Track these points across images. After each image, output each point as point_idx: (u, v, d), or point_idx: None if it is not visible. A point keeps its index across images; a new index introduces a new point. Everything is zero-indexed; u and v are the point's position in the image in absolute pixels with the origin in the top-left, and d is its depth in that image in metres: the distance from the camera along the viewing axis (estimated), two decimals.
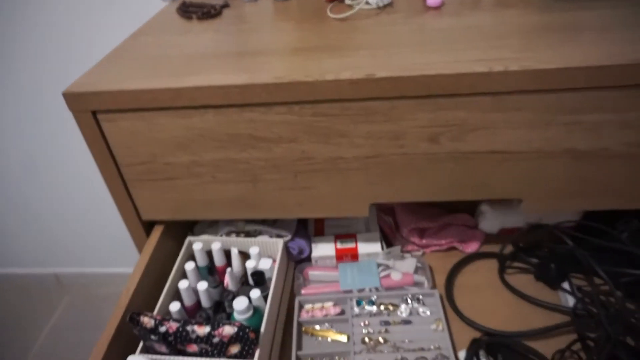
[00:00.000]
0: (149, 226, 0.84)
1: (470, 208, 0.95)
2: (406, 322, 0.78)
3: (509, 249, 0.88)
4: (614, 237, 0.78)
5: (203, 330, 0.65)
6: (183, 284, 0.76)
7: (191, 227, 0.96)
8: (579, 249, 0.77)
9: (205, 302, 0.77)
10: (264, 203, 0.75)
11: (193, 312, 0.78)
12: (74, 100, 0.64)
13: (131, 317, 0.66)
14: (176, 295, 0.78)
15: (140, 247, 0.84)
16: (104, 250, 1.61)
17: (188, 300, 0.77)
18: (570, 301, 0.77)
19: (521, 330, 0.74)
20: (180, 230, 0.92)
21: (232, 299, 0.76)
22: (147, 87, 0.62)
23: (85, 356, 1.49)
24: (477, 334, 0.75)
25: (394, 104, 0.62)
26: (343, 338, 0.78)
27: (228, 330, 0.64)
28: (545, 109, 0.62)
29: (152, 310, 0.73)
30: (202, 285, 0.75)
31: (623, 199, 0.70)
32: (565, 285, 0.79)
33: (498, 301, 0.81)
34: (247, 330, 0.64)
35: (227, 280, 0.80)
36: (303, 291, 0.85)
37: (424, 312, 0.79)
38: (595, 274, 0.72)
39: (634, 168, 0.66)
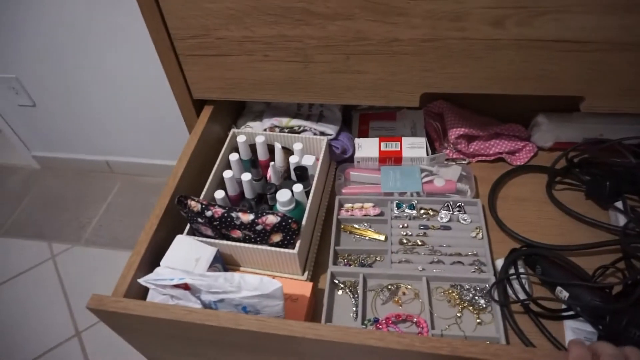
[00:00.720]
0: (199, 105, 0.85)
1: (524, 119, 0.90)
2: (445, 227, 0.78)
3: (561, 164, 0.84)
4: None
5: (247, 217, 0.67)
6: (228, 174, 0.77)
7: (239, 115, 0.96)
8: None
9: (248, 194, 0.79)
10: (314, 86, 0.74)
11: (236, 202, 0.80)
12: None
13: (179, 200, 0.69)
14: (220, 184, 0.80)
15: (190, 128, 0.85)
16: (150, 142, 1.66)
17: (232, 190, 0.79)
18: (622, 222, 0.74)
19: (564, 244, 0.72)
20: (227, 118, 0.93)
21: (275, 192, 0.77)
22: None
23: (135, 235, 1.61)
24: (517, 245, 0.74)
25: None
26: (381, 237, 0.79)
27: (271, 219, 0.66)
28: None
29: (198, 195, 0.75)
30: (246, 177, 0.76)
31: None
32: (619, 204, 0.76)
33: (543, 216, 0.80)
34: (289, 220, 0.66)
35: (270, 174, 0.81)
36: (344, 190, 0.85)
37: (464, 219, 0.79)
38: None
39: None
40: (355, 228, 0.81)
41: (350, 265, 0.76)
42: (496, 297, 0.67)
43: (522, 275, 0.68)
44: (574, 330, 0.65)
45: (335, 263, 0.76)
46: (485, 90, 0.70)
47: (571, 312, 0.65)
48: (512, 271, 0.69)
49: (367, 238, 0.80)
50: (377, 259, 0.77)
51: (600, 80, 0.66)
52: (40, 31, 1.35)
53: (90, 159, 1.80)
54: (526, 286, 0.68)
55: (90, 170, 1.85)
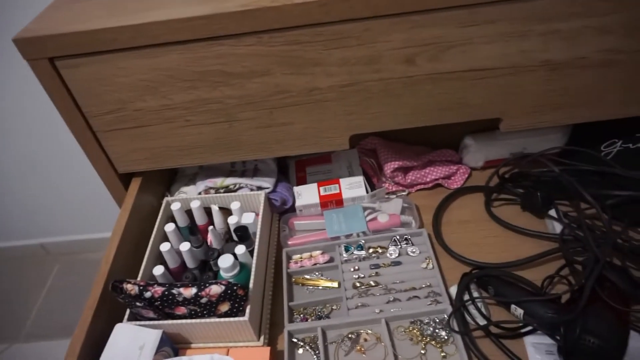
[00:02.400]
0: (127, 179, 0.81)
1: (453, 143, 0.93)
2: (396, 263, 0.78)
3: (494, 181, 0.87)
4: (599, 160, 0.77)
5: (189, 292, 0.63)
6: (165, 246, 0.73)
7: (171, 181, 0.93)
8: (564, 174, 0.76)
9: (190, 263, 0.75)
10: (242, 143, 0.74)
11: (179, 274, 0.76)
12: (27, 46, 0.60)
13: (114, 285, 0.64)
14: (160, 258, 0.75)
15: (119, 202, 0.81)
16: (86, 217, 1.57)
17: (172, 263, 0.75)
18: (558, 228, 0.77)
19: (510, 260, 0.73)
20: (159, 186, 0.89)
21: (217, 257, 0.74)
22: (105, 26, 0.58)
23: (79, 317, 1.49)
24: (467, 269, 0.75)
25: (367, 25, 0.60)
26: (334, 284, 0.77)
27: (215, 289, 0.63)
28: (520, 19, 0.60)
29: (135, 275, 0.70)
30: (185, 246, 0.73)
31: (602, 109, 0.71)
32: (552, 212, 0.78)
33: (486, 234, 0.81)
34: (235, 287, 0.63)
35: (211, 239, 0.78)
36: (290, 242, 0.83)
37: (413, 251, 0.79)
38: (582, 198, 0.72)
39: (613, 76, 0.66)
40: (307, 279, 0.79)
41: (307, 319, 0.73)
42: (455, 327, 0.66)
43: (476, 300, 0.68)
44: (534, 345, 0.65)
45: (291, 320, 0.73)
46: (409, 124, 0.71)
47: (529, 328, 0.66)
48: (466, 297, 0.69)
49: (320, 287, 0.78)
50: (334, 307, 0.74)
51: (513, 101, 0.69)
52: None
53: (22, 244, 1.68)
54: (483, 309, 0.68)
55: (23, 256, 1.72)
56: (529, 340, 0.66)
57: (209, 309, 0.64)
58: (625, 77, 0.65)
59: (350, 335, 0.70)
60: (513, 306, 0.65)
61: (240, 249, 0.71)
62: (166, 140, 0.72)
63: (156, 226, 0.78)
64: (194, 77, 0.64)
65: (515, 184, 0.85)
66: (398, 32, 0.60)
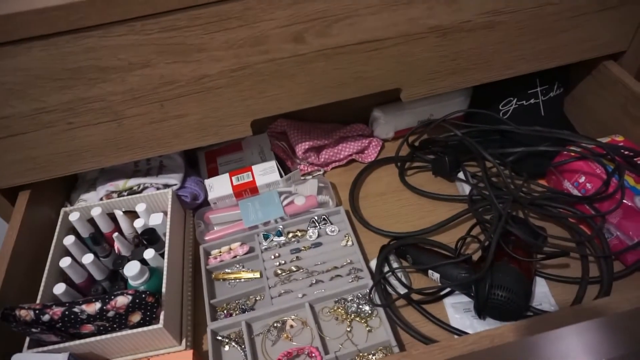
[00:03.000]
0: (12, 193, 0.73)
1: (363, 117, 0.93)
2: (316, 245, 0.77)
3: (405, 150, 0.88)
4: (497, 120, 0.80)
5: (93, 307, 0.58)
6: (65, 262, 0.67)
7: (71, 188, 0.85)
8: (466, 137, 0.78)
9: (97, 275, 0.70)
10: (137, 142, 0.68)
11: (87, 288, 0.70)
12: None
13: (4, 315, 0.57)
14: (62, 275, 0.69)
15: (7, 219, 0.73)
16: None
17: (77, 278, 0.69)
18: (467, 190, 0.79)
19: (425, 228, 0.75)
20: (55, 196, 0.82)
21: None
22: None
23: None
24: (386, 241, 0.75)
25: (247, 4, 0.56)
26: (256, 275, 0.75)
27: (122, 300, 0.58)
28: None
29: (34, 297, 0.64)
30: (88, 258, 0.67)
31: (492, 71, 0.73)
32: (461, 175, 0.81)
33: (402, 204, 0.82)
34: (143, 295, 0.59)
35: (118, 246, 0.72)
36: (207, 237, 0.80)
37: (332, 231, 0.78)
38: (484, 158, 0.74)
39: (496, 37, 0.68)
40: (227, 273, 0.76)
41: (231, 314, 0.71)
42: (377, 300, 0.66)
43: (395, 270, 0.69)
44: (453, 305, 0.67)
45: (214, 318, 0.70)
46: (308, 104, 0.70)
47: (447, 290, 0.67)
48: (386, 269, 0.70)
49: (242, 280, 0.75)
50: (257, 298, 0.72)
51: (408, 70, 0.69)
52: None
53: None
54: (403, 279, 0.69)
55: None
56: (448, 301, 0.67)
57: (118, 321, 0.60)
58: (508, 37, 0.68)
59: (275, 325, 0.68)
60: (430, 271, 0.67)
61: (149, 253, 0.67)
62: (50, 147, 0.66)
63: (54, 241, 0.71)
64: (66, 75, 0.57)
65: (425, 151, 0.87)
66: (281, 9, 0.58)
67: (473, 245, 0.74)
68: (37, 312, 0.58)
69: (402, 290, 0.68)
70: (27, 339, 0.61)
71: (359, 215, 0.80)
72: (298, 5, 0.57)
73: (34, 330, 0.58)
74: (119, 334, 0.60)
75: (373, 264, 0.72)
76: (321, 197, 0.82)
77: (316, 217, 0.80)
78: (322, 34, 0.62)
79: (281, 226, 0.79)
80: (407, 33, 0.64)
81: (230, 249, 0.78)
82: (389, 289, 0.69)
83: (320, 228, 0.79)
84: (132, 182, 0.79)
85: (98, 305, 0.58)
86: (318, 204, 0.82)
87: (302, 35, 0.61)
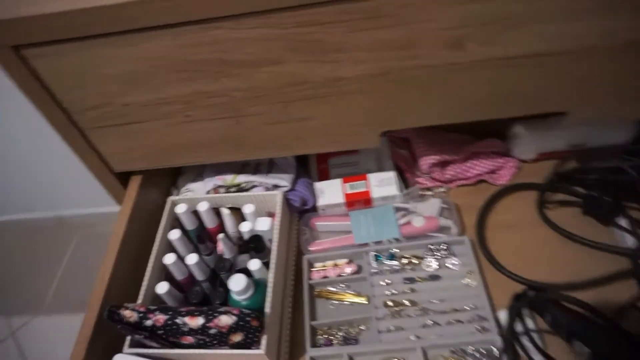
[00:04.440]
0: (125, 176, 0.71)
1: (500, 132, 0.80)
2: (434, 277, 0.68)
3: (549, 178, 0.74)
4: None
5: (196, 322, 0.54)
6: (169, 259, 0.64)
7: (177, 174, 0.83)
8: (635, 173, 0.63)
9: (199, 275, 0.66)
10: (253, 141, 0.62)
11: (188, 286, 0.67)
12: None
13: (110, 313, 0.55)
14: (164, 269, 0.66)
15: (119, 201, 0.72)
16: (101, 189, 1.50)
17: (179, 274, 0.66)
18: (628, 240, 0.65)
19: (571, 281, 0.62)
20: (164, 181, 0.80)
21: (229, 269, 0.65)
22: (73, 7, 0.45)
23: None
24: (517, 286, 0.64)
25: (406, 0, 0.46)
26: (362, 301, 0.67)
27: (225, 320, 0.54)
28: None
29: (136, 292, 0.62)
30: (192, 259, 0.64)
31: None
32: (621, 220, 0.66)
33: (539, 243, 0.70)
34: (248, 318, 0.54)
35: (221, 247, 0.68)
36: (311, 247, 0.74)
37: (453, 263, 0.68)
38: None
39: None
40: (331, 292, 0.69)
41: (331, 341, 0.64)
42: None
43: (532, 332, 0.58)
44: None
45: (314, 344, 0.64)
46: (453, 119, 0.59)
47: None
48: (520, 326, 0.59)
49: (346, 303, 0.68)
50: (362, 328, 0.65)
51: (586, 91, 0.56)
52: None
53: (39, 217, 1.63)
54: (538, 342, 0.58)
55: (40, 228, 1.67)
56: None
57: (219, 339, 0.55)
58: None
59: None
60: (578, 343, 0.55)
61: (255, 264, 0.62)
62: (164, 138, 0.62)
63: (160, 234, 0.68)
64: (190, 67, 0.52)
65: (574, 182, 0.73)
66: (447, 8, 0.47)
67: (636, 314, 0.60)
68: (140, 315, 0.55)
69: (537, 357, 0.57)
70: (128, 339, 0.58)
71: (487, 251, 0.69)
72: (467, 5, 0.46)
73: (139, 333, 0.55)
74: (218, 351, 0.56)
75: (502, 315, 0.61)
76: (443, 221, 0.72)
77: (435, 244, 0.70)
78: (488, 41, 0.51)
79: (395, 249, 0.70)
80: (594, 46, 0.51)
81: (336, 265, 0.71)
82: (519, 349, 0.58)
83: (439, 258, 0.69)
84: (241, 179, 0.74)
85: (201, 320, 0.54)
86: (439, 228, 0.72)
87: (462, 42, 0.51)
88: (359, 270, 0.70)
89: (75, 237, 1.64)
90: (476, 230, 0.72)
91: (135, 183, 0.71)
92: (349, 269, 0.70)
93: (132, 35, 0.48)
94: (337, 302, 0.69)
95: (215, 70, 0.52)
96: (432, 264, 0.68)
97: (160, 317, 0.55)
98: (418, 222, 0.72)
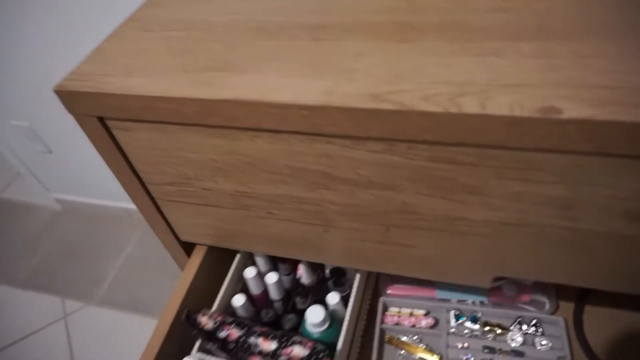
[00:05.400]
0: (189, 245, 0.67)
1: None
2: (517, 353, 0.62)
3: None
4: None
5: (269, 345, 0.53)
6: (250, 272, 0.63)
7: None
8: None
9: (274, 294, 0.65)
10: (338, 251, 0.55)
11: (262, 302, 0.66)
12: (70, 101, 0.44)
13: (187, 317, 0.55)
14: (241, 280, 0.66)
15: (182, 266, 0.69)
16: None
17: (255, 289, 0.65)
18: None
19: None
20: None
21: (306, 296, 0.64)
22: (166, 93, 0.40)
23: (153, 296, 1.49)
24: None
25: (580, 161, 0.37)
26: (434, 359, 0.63)
27: (298, 351, 0.52)
28: None
29: (212, 299, 0.62)
30: (272, 278, 0.63)
31: None
32: None
33: None
34: (321, 355, 0.51)
35: (301, 272, 0.67)
36: (389, 291, 0.71)
37: (542, 343, 0.62)
38: None
39: None
40: (402, 342, 0.66)
41: None
42: None
43: None
44: None
45: None
46: (589, 284, 0.49)
47: None
48: None
49: (416, 357, 0.64)
50: None
51: None
52: (46, 76, 1.28)
53: (111, 205, 1.72)
54: None
55: (110, 216, 1.76)
56: None
57: None
58: None
59: None
60: None
61: (333, 298, 0.60)
62: (240, 225, 0.57)
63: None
64: (285, 171, 0.46)
65: None
66: (630, 178, 0.37)
67: None
68: (216, 325, 0.55)
69: None
70: (198, 343, 0.58)
71: (583, 337, 0.63)
72: None
73: (209, 344, 0.55)
74: None
75: None
76: (537, 294, 0.67)
77: (524, 318, 0.64)
78: None
79: (479, 312, 0.66)
80: None
81: (412, 314, 0.68)
82: None
83: (526, 333, 0.63)
84: None
85: (274, 346, 0.53)
86: (530, 300, 0.66)
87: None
88: (435, 325, 0.66)
89: (137, 231, 1.70)
90: (574, 312, 0.65)
91: (199, 253, 0.66)
92: (425, 322, 0.66)
93: (227, 131, 0.43)
94: (406, 353, 0.65)
95: (315, 181, 0.46)
96: (517, 338, 0.63)
97: (235, 332, 0.54)
98: (509, 291, 0.67)
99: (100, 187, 1.65)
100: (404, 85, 0.36)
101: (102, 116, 0.46)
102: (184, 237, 0.62)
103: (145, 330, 1.35)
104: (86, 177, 1.63)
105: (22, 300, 1.55)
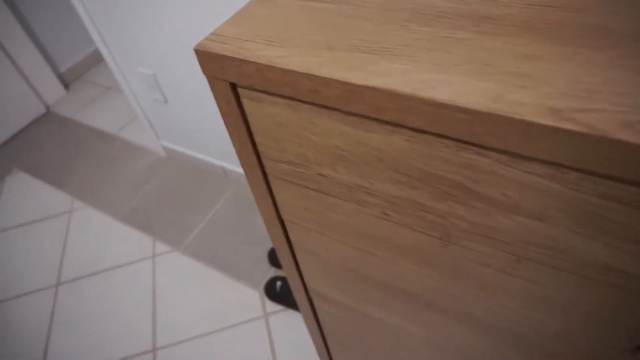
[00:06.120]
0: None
1: None
2: None
3: None
4: None
5: None
6: None
7: None
8: None
9: None
10: (445, 267, 0.49)
11: None
12: (207, 61, 0.43)
13: None
14: None
15: (275, 242, 0.66)
16: None
17: None
18: None
19: None
20: None
21: None
22: (307, 70, 0.37)
23: (231, 256, 1.54)
24: None
25: None
26: None
27: None
28: None
29: None
30: None
31: None
32: None
33: None
34: None
35: None
36: None
37: None
38: None
39: None
40: None
41: None
42: None
43: None
44: None
45: None
46: None
47: None
48: None
49: None
50: None
51: None
52: (180, 31, 1.32)
53: (209, 161, 1.79)
54: None
55: (207, 171, 1.84)
56: None
57: None
58: None
59: None
60: None
61: None
62: (348, 219, 0.53)
63: None
64: (416, 174, 0.41)
65: None
66: None
67: None
68: None
69: None
70: None
71: None
72: None
73: None
74: None
75: None
76: None
77: None
78: None
79: None
80: None
81: None
82: None
83: None
84: None
85: None
86: None
87: None
88: None
89: (229, 191, 1.76)
90: None
91: None
92: None
93: (364, 121, 0.39)
94: None
95: (447, 191, 0.41)
96: None
97: None
98: None
99: (204, 143, 1.73)
100: (595, 103, 0.29)
101: (235, 83, 0.44)
102: (286, 217, 0.60)
103: (218, 286, 1.41)
104: (193, 132, 1.71)
105: (120, 232, 1.68)
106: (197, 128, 1.67)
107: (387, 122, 0.38)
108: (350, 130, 0.41)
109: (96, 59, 2.70)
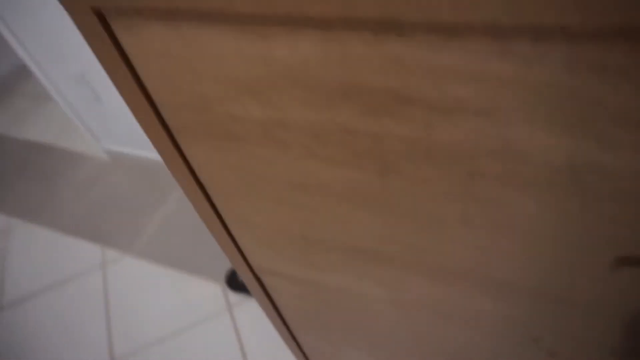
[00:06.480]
0: None
1: None
2: None
3: None
4: None
5: None
6: None
7: None
8: None
9: None
10: (397, 207, 0.41)
11: None
12: None
13: None
14: None
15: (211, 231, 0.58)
16: None
17: None
18: None
19: None
20: None
21: None
22: None
23: (187, 256, 1.45)
24: None
25: None
26: None
27: None
28: None
29: None
30: None
31: None
32: None
33: None
34: None
35: None
36: None
37: None
38: None
39: None
40: None
41: None
42: None
43: None
44: None
45: None
46: None
47: None
48: None
49: None
50: None
51: None
52: None
53: (155, 158, 1.69)
54: None
55: (155, 169, 1.73)
56: None
57: None
58: None
59: None
60: None
61: None
62: (269, 168, 0.44)
63: None
64: (337, 89, 0.33)
65: None
66: None
67: None
68: None
69: None
70: None
71: None
72: None
73: None
74: None
75: None
76: None
77: None
78: None
79: None
80: None
81: None
82: None
83: None
84: None
85: None
86: None
87: None
88: None
89: (180, 188, 1.67)
90: None
91: None
92: None
93: (260, 28, 0.31)
94: None
95: (374, 104, 0.33)
96: None
97: None
98: None
99: (147, 138, 1.62)
100: None
101: (99, 8, 0.35)
102: (205, 180, 0.51)
103: (176, 285, 1.32)
104: (134, 129, 1.60)
105: (65, 245, 1.56)
106: (137, 123, 1.56)
107: (286, 22, 0.30)
108: (247, 46, 0.33)
109: (22, 69, 2.52)
